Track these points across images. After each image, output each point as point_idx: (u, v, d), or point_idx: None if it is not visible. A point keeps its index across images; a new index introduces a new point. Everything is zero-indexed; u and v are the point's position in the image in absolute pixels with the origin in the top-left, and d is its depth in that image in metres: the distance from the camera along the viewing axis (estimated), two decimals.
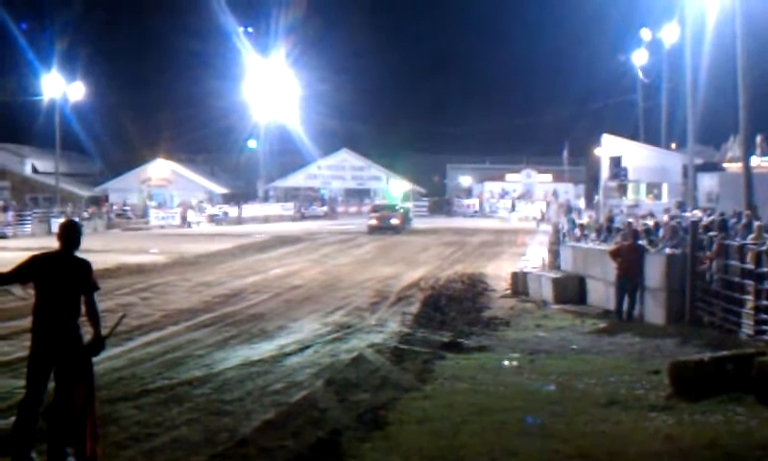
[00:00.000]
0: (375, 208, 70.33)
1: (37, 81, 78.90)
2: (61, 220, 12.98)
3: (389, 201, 79.82)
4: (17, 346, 17.50)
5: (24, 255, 10.32)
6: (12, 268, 10.06)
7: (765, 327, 17.93)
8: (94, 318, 9.92)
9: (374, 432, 11.51)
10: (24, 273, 9.97)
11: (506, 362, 15.80)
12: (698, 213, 32.81)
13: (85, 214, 68.86)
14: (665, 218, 32.49)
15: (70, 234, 10.10)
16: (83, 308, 9.90)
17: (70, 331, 9.76)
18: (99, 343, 9.94)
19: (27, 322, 18.26)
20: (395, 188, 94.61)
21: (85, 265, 10.02)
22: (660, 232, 27.06)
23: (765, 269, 18.10)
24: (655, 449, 10.65)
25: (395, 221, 64.62)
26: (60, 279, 9.79)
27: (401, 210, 69.53)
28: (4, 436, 10.29)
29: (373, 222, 64.84)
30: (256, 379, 14.83)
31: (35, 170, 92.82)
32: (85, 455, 9.70)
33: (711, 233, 22.55)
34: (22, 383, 12.49)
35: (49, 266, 9.90)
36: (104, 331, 10.03)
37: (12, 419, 10.95)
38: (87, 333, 9.96)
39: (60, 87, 76.18)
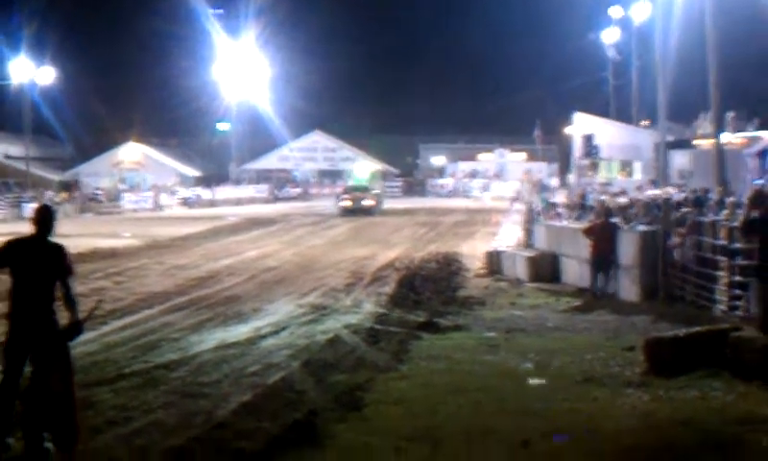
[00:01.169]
0: (347, 190, 68.21)
1: (6, 65, 78.42)
2: (35, 204, 12.91)
3: (356, 182, 78.84)
4: None
5: None
6: None
7: (738, 303, 18.02)
8: (70, 303, 9.87)
9: (351, 413, 11.54)
10: None
11: (489, 351, 15.80)
12: (670, 190, 32.92)
13: (57, 199, 68.48)
14: (640, 195, 32.65)
15: (45, 219, 10.05)
16: (58, 293, 9.85)
17: (46, 316, 9.72)
18: (76, 327, 9.90)
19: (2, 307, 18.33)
20: (362, 169, 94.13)
21: (60, 249, 9.97)
22: (634, 209, 27.18)
23: (738, 245, 18.17)
24: (631, 426, 10.70)
25: (368, 202, 63.11)
26: (36, 263, 9.75)
27: (374, 191, 68.20)
28: None
29: (346, 203, 63.11)
30: (232, 362, 14.78)
31: (5, 155, 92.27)
32: (63, 440, 9.67)
33: (684, 210, 22.67)
34: None
35: (24, 251, 9.85)
36: (81, 316, 9.98)
37: None
38: (63, 318, 9.92)
39: (29, 71, 75.81)
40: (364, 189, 68.28)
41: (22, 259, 9.79)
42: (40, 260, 9.79)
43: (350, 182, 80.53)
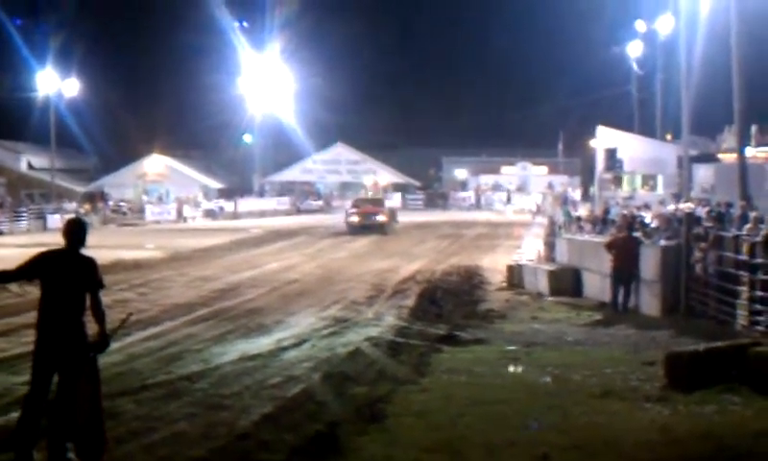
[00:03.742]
0: (357, 203, 60.99)
1: (32, 77, 78.81)
2: (59, 216, 13.04)
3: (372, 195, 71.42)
4: (15, 342, 17.59)
5: (20, 252, 10.43)
6: (18, 265, 10.12)
7: (759, 318, 18.02)
8: (99, 315, 9.97)
9: (372, 425, 11.60)
10: (31, 270, 10.03)
11: (511, 368, 15.78)
12: (691, 205, 32.88)
13: (81, 210, 68.72)
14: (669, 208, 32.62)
15: (76, 231, 10.16)
16: (87, 305, 9.97)
17: (75, 328, 9.82)
18: (104, 340, 10.01)
19: (24, 318, 18.54)
20: (374, 182, 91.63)
21: (91, 262, 10.09)
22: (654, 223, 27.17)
23: (759, 260, 18.18)
24: (650, 439, 10.75)
25: (380, 218, 56.13)
26: (66, 276, 9.85)
27: (388, 206, 62.15)
28: (6, 432, 10.38)
29: (354, 219, 56.07)
30: (254, 374, 14.89)
31: (30, 166, 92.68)
32: (88, 451, 9.79)
33: (706, 224, 22.67)
34: (21, 380, 12.65)
35: (55, 263, 9.95)
36: (109, 329, 10.10)
37: (12, 415, 11.07)
38: (91, 330, 10.05)
39: (54, 84, 76.18)
40: (376, 202, 62.05)
41: (53, 271, 9.89)
42: (71, 273, 9.89)
43: (362, 196, 73.81)
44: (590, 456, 10.18)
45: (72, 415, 9.71)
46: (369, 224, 54.91)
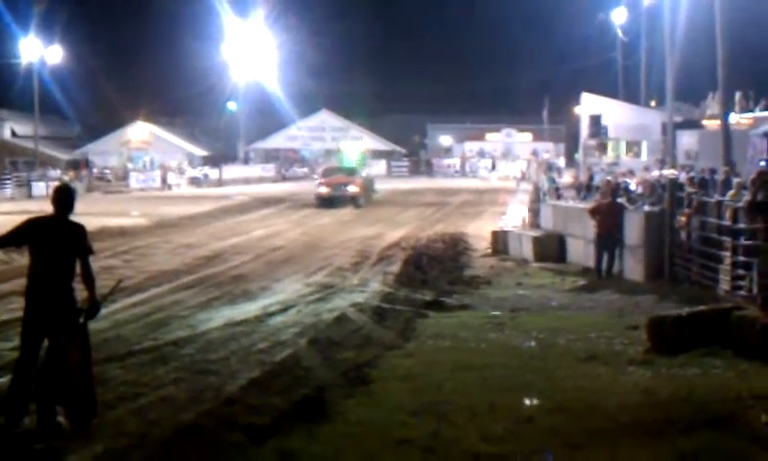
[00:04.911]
0: (326, 172, 55.69)
1: (15, 44, 78.63)
2: (43, 183, 13.08)
3: (344, 164, 66.04)
4: (2, 309, 17.56)
5: (5, 219, 10.49)
6: (6, 231, 10.18)
7: (742, 283, 18.12)
8: (89, 281, 10.07)
9: (358, 389, 11.72)
10: (19, 236, 10.11)
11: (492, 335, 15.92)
12: (675, 171, 32.99)
13: (66, 178, 68.56)
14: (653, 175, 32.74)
15: (64, 198, 10.25)
16: (76, 271, 10.04)
17: (64, 294, 9.91)
18: (94, 306, 10.11)
19: (11, 285, 18.62)
20: (352, 150, 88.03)
21: (80, 229, 10.18)
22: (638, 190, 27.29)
23: (742, 225, 18.30)
24: (633, 402, 10.87)
25: (352, 189, 50.67)
26: (55, 242, 9.93)
27: (361, 175, 55.22)
28: None
29: (322, 190, 50.85)
30: (241, 339, 14.97)
31: (13, 134, 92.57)
32: (79, 415, 9.89)
33: (690, 190, 22.77)
34: (10, 345, 12.73)
35: (44, 230, 10.03)
36: (99, 295, 10.18)
37: (1, 381, 11.14)
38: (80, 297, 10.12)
39: (38, 51, 76.02)
40: (349, 172, 55.26)
41: (42, 237, 9.97)
42: (60, 239, 9.97)
43: (332, 164, 67.96)
44: (574, 419, 10.28)
45: (62, 380, 9.81)
46: (339, 195, 49.99)
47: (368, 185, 54.97)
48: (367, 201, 51.75)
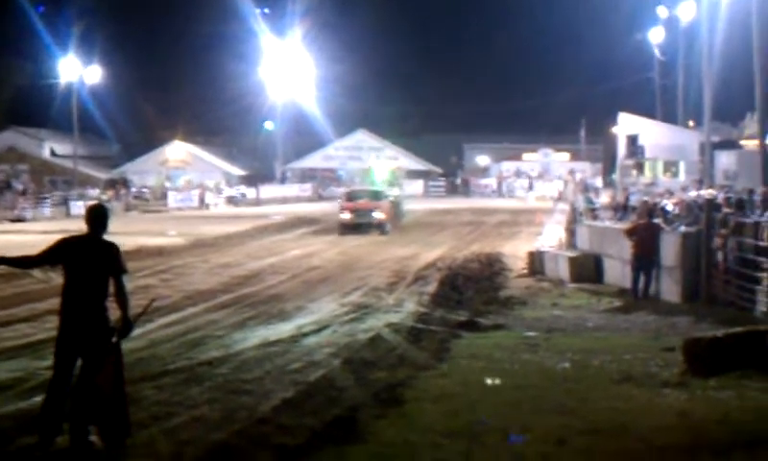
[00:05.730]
0: (350, 196, 49.91)
1: (55, 64, 79.44)
2: (82, 203, 13.18)
3: (373, 185, 58.96)
4: (39, 328, 17.77)
5: (43, 238, 10.54)
6: (41, 250, 10.27)
7: None
8: (122, 300, 10.10)
9: (391, 409, 11.68)
10: (53, 255, 10.18)
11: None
12: (712, 191, 32.82)
13: (104, 197, 69.04)
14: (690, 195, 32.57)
15: (98, 217, 10.29)
16: (110, 290, 10.09)
17: (97, 313, 9.95)
18: (127, 325, 10.14)
19: (48, 304, 18.70)
20: (382, 168, 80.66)
21: (114, 248, 10.22)
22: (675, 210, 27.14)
23: None
24: (667, 424, 10.79)
25: (378, 215, 45.58)
26: (89, 261, 9.98)
27: (389, 198, 49.54)
28: (30, 416, 10.54)
29: (346, 216, 46.02)
30: (275, 359, 14.98)
31: (53, 153, 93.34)
32: (112, 434, 9.92)
33: (727, 211, 22.63)
34: (44, 364, 12.78)
35: (78, 249, 10.08)
36: (132, 314, 10.23)
37: (35, 400, 11.21)
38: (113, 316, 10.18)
39: (77, 71, 76.70)
40: (374, 196, 49.29)
41: (76, 257, 10.02)
42: (94, 258, 10.02)
43: (356, 187, 60.57)
44: (607, 440, 10.23)
45: (94, 399, 9.84)
46: (363, 222, 45.31)
47: (395, 210, 49.81)
48: (394, 226, 47.16)
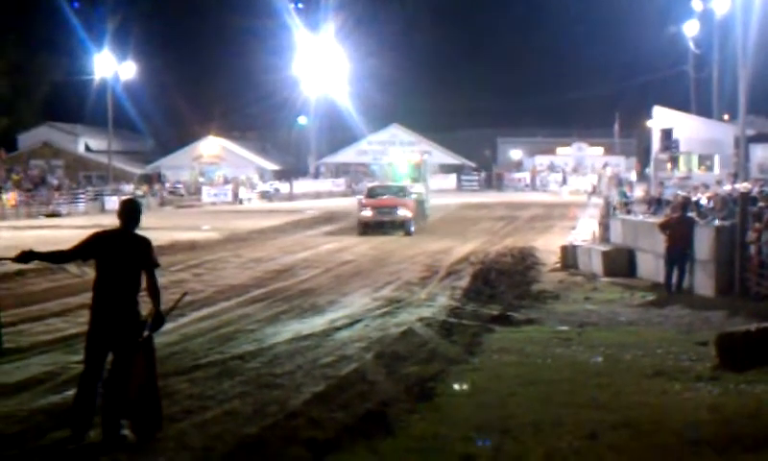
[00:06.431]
0: (372, 192, 45.79)
1: (90, 60, 79.92)
2: (117, 198, 13.25)
3: (395, 179, 51.81)
4: (72, 322, 17.90)
5: (78, 233, 10.58)
6: (74, 245, 10.32)
7: None
8: (154, 294, 10.15)
9: (423, 404, 11.67)
10: (86, 250, 10.23)
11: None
12: (747, 185, 32.62)
13: (138, 192, 69.39)
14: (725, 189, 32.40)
15: (131, 212, 10.34)
16: (142, 284, 10.14)
17: (129, 307, 10.00)
18: (159, 319, 10.19)
19: (81, 298, 18.80)
20: (403, 161, 67.39)
21: (146, 242, 10.27)
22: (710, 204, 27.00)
23: None
24: (699, 419, 10.73)
25: (402, 213, 42.58)
26: (121, 255, 10.03)
27: (413, 195, 45.44)
28: (63, 410, 10.61)
29: (367, 214, 42.87)
30: (306, 353, 15.01)
31: (87, 148, 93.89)
32: (144, 427, 9.98)
33: (761, 204, 22.49)
34: (77, 358, 12.85)
35: (110, 243, 10.13)
36: (164, 308, 10.27)
37: (68, 393, 11.27)
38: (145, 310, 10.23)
39: (111, 66, 77.10)
40: (398, 192, 45.16)
41: (108, 251, 10.08)
42: (126, 253, 10.07)
43: (377, 182, 54.73)
44: (639, 435, 10.18)
45: (126, 392, 9.90)
46: (386, 220, 42.46)
47: (420, 208, 46.29)
48: (419, 223, 44.64)
